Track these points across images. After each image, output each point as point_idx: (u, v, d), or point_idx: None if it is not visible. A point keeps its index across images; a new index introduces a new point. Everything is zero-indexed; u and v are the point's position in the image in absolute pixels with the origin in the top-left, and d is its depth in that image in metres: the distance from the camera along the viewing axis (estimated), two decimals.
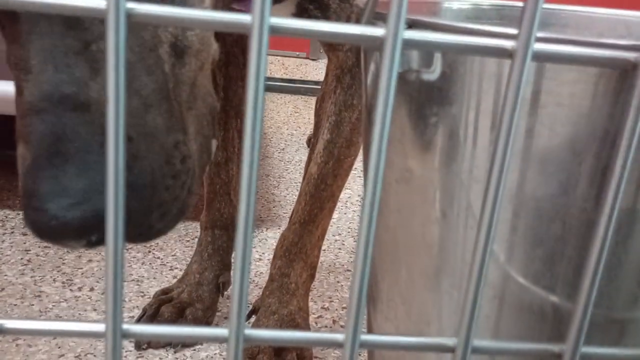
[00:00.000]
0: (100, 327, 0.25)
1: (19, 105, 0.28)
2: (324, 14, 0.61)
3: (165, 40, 0.33)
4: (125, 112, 0.29)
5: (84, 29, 0.29)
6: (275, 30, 0.23)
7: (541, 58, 0.24)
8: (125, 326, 0.25)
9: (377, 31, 0.23)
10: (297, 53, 2.64)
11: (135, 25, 0.30)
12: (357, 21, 0.64)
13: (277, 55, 2.63)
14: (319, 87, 1.69)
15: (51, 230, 0.26)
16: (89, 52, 0.29)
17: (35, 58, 0.28)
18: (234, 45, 0.77)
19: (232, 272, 0.82)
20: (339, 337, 0.27)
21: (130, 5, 0.22)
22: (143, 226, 0.30)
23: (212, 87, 0.38)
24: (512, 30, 0.24)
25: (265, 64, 0.23)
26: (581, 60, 0.24)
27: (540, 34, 0.23)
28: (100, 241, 0.28)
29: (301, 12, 0.61)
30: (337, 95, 0.67)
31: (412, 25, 0.28)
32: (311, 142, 0.76)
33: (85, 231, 0.27)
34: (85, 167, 0.27)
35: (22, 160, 0.28)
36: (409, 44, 0.23)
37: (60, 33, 0.29)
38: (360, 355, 0.75)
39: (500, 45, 0.24)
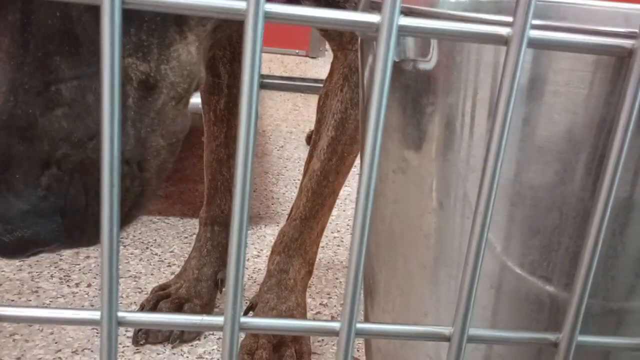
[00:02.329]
0: (95, 315, 0.25)
1: None
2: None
3: (135, 78, 0.37)
4: (69, 141, 0.33)
5: (48, 72, 0.33)
6: (270, 17, 0.23)
7: (537, 45, 0.24)
8: (120, 314, 0.25)
9: (372, 17, 0.23)
10: (297, 51, 2.64)
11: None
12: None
13: (276, 53, 2.63)
14: (319, 84, 1.69)
15: None
16: (46, 92, 0.33)
17: (3, 87, 0.33)
18: (239, 40, 0.77)
19: None
20: (335, 325, 0.27)
21: None
22: (86, 234, 0.36)
23: (186, 109, 0.42)
24: (508, 18, 0.24)
25: (260, 52, 0.23)
26: (577, 47, 0.24)
27: (536, 22, 0.23)
28: (37, 253, 0.34)
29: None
30: (344, 93, 0.67)
31: (408, 13, 0.28)
32: (312, 138, 0.76)
33: (22, 250, 0.33)
34: (22, 193, 0.32)
35: None
36: (404, 30, 0.23)
37: (28, 73, 0.33)
38: (358, 350, 0.74)
39: (496, 32, 0.24)
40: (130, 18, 0.34)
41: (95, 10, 0.25)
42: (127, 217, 0.39)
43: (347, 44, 0.66)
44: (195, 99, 1.08)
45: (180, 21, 0.38)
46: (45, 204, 0.32)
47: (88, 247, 0.37)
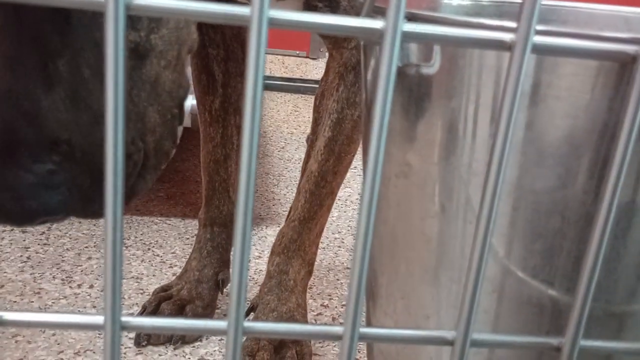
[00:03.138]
0: (99, 320, 0.25)
1: None
2: (334, 12, 0.61)
3: (125, 49, 0.36)
4: (75, 124, 0.33)
5: (42, 46, 0.33)
6: (274, 23, 0.23)
7: (540, 51, 0.24)
8: (124, 318, 0.25)
9: (376, 23, 0.23)
10: (297, 52, 2.64)
11: (94, 42, 0.34)
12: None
13: (277, 54, 2.63)
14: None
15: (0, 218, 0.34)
16: (44, 68, 0.33)
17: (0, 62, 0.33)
18: (233, 39, 0.77)
19: (231, 268, 0.82)
20: (338, 329, 0.27)
21: None
22: (91, 206, 0.36)
23: (184, 75, 0.41)
24: (512, 24, 0.24)
25: (264, 57, 0.23)
26: (580, 53, 0.24)
27: (539, 27, 0.23)
28: (44, 222, 0.35)
29: (309, 9, 0.61)
30: (340, 93, 0.67)
31: (411, 19, 0.28)
32: (309, 139, 0.76)
33: (29, 219, 0.34)
34: (31, 168, 0.33)
35: None
36: (408, 37, 0.23)
37: (24, 45, 0.33)
38: (359, 352, 0.75)
39: (500, 38, 0.24)
40: None
41: None
42: (131, 191, 0.39)
43: (343, 42, 0.65)
44: (194, 101, 1.08)
45: None
46: (53, 177, 0.33)
47: (93, 219, 0.39)
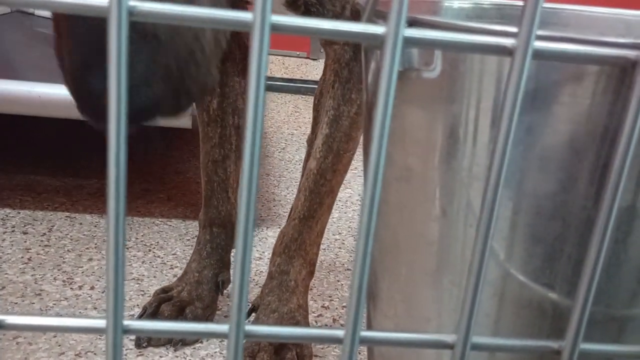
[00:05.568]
0: (101, 323, 0.25)
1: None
2: (320, 1, 0.61)
3: None
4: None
5: None
6: (276, 28, 0.23)
7: (541, 56, 0.24)
8: (126, 322, 0.25)
9: (378, 29, 0.23)
10: (298, 53, 2.64)
11: None
12: (354, 13, 0.63)
13: (277, 55, 2.64)
14: None
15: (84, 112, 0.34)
16: None
17: None
18: (230, 40, 0.77)
19: (231, 270, 0.82)
20: (338, 333, 0.27)
21: (132, 3, 0.22)
22: (174, 101, 0.36)
23: None
24: (513, 29, 0.24)
25: (266, 61, 0.23)
26: (581, 58, 0.25)
27: (540, 32, 0.23)
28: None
29: (295, 1, 0.61)
30: (336, 90, 0.67)
31: (412, 23, 0.28)
32: (309, 138, 0.76)
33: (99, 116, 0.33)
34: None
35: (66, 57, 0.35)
36: (409, 42, 0.23)
37: None
38: (360, 353, 0.75)
39: (501, 43, 0.24)
40: None
41: None
42: (197, 95, 0.39)
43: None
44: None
45: None
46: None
47: (189, 105, 0.37)
